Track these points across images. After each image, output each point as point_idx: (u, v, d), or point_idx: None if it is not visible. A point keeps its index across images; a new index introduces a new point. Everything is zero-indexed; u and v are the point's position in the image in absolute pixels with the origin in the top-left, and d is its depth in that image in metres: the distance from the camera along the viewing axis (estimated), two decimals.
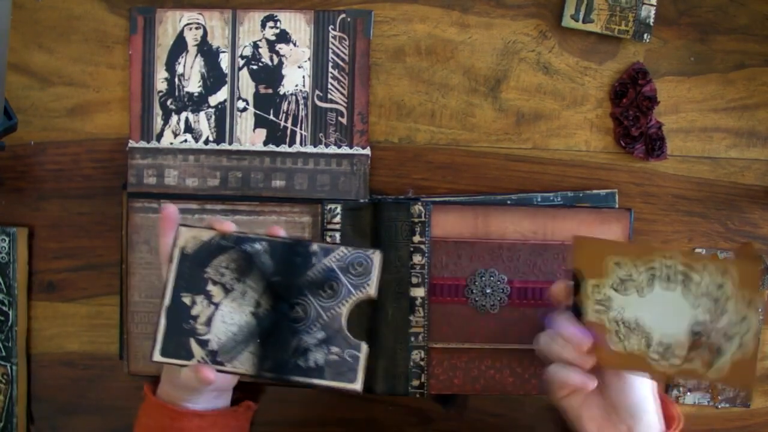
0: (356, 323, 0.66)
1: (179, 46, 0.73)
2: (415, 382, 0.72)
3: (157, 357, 0.59)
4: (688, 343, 0.57)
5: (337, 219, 0.72)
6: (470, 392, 0.72)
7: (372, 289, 0.59)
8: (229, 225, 0.60)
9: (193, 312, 0.59)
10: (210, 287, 0.59)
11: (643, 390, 0.59)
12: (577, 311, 0.58)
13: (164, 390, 0.65)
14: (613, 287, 0.58)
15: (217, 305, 0.59)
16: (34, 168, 0.76)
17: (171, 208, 0.62)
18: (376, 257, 0.59)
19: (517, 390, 0.72)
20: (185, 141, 0.73)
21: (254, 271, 0.59)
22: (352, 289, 0.59)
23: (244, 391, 0.69)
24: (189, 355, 0.58)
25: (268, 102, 0.73)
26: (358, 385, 0.57)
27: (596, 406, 0.59)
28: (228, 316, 0.59)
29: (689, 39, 0.73)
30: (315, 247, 0.60)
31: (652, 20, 0.71)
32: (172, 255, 0.59)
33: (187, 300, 0.59)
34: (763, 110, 0.74)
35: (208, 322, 0.59)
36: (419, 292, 0.71)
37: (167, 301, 0.59)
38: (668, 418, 0.61)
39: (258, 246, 0.59)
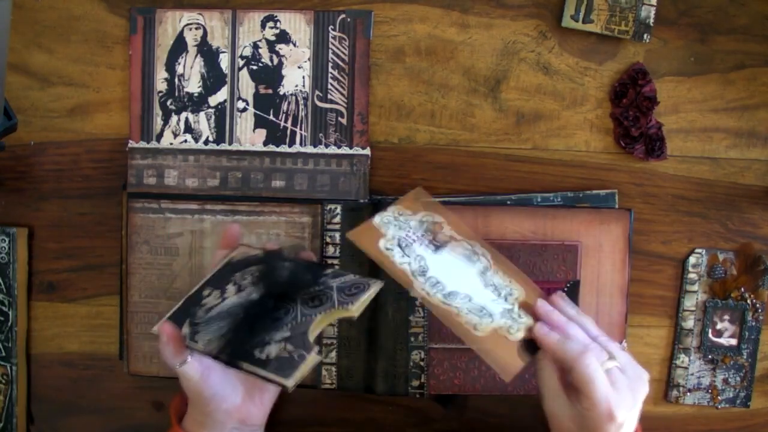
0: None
1: (179, 46, 0.73)
2: (415, 383, 0.72)
3: (156, 327, 0.63)
4: None
5: (337, 219, 0.72)
6: (470, 392, 0.72)
7: (353, 307, 0.60)
8: (273, 245, 0.69)
9: (204, 301, 0.64)
10: (228, 286, 0.64)
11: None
12: None
13: (189, 422, 0.65)
14: None
15: (224, 299, 0.63)
16: (34, 168, 0.76)
17: (236, 229, 0.69)
18: (375, 285, 0.62)
19: (517, 390, 0.72)
20: (185, 141, 0.73)
21: (269, 279, 0.63)
22: (336, 304, 0.61)
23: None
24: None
25: (268, 102, 0.73)
26: (290, 382, 0.57)
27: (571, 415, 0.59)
28: (227, 307, 0.62)
29: (689, 39, 0.73)
30: (329, 270, 0.65)
31: (652, 20, 0.71)
32: (218, 262, 0.67)
33: (205, 292, 0.65)
34: (763, 110, 0.74)
35: (209, 310, 0.63)
36: None
37: (192, 290, 0.65)
38: None
39: (286, 264, 0.64)
